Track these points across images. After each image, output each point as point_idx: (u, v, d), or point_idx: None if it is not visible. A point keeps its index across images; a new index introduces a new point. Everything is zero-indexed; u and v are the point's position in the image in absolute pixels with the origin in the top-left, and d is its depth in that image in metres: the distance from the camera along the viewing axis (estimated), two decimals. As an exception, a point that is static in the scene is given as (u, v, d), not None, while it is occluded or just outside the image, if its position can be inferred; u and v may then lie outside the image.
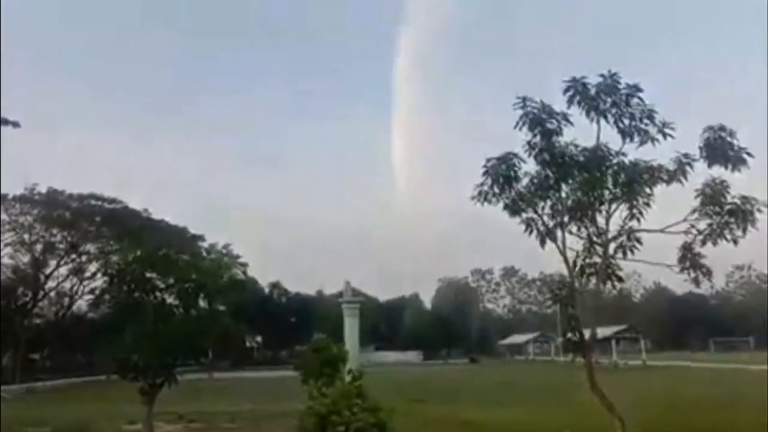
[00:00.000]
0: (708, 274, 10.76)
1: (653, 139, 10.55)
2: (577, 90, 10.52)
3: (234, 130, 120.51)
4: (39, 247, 52.27)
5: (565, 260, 11.09)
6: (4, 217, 48.80)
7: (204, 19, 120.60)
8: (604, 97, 10.52)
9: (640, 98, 10.51)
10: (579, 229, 11.26)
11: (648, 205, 10.76)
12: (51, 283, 54.70)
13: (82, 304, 59.17)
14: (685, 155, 10.52)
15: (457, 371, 56.79)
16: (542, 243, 11.17)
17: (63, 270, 54.37)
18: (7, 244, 50.00)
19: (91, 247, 54.27)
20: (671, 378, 35.30)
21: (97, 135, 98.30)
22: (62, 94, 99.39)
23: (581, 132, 10.87)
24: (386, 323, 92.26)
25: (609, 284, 11.56)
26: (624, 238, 10.97)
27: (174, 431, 18.09)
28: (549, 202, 11.23)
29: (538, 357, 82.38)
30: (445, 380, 41.38)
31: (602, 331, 51.01)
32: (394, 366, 64.82)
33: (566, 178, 11.02)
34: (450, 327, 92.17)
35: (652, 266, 11.33)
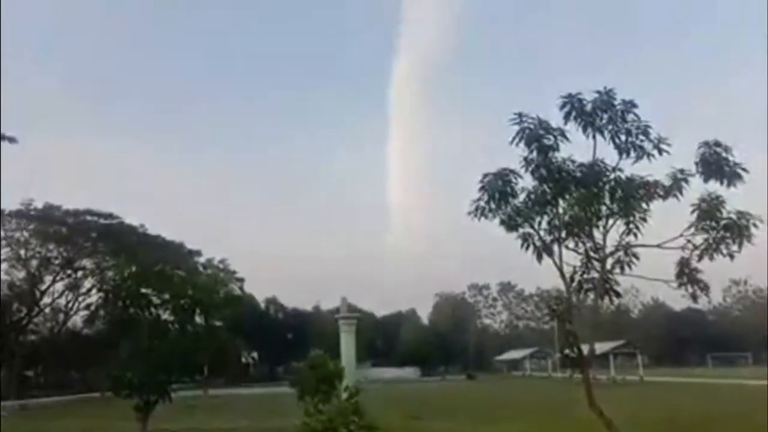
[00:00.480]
0: (705, 289, 10.75)
1: (649, 155, 10.58)
2: (573, 106, 10.56)
3: (230, 146, 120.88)
4: (34, 262, 52.05)
5: (562, 276, 11.07)
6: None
7: (205, 30, 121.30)
8: (600, 113, 10.56)
9: (635, 114, 10.56)
10: (576, 244, 11.25)
11: (645, 220, 10.76)
12: (46, 299, 54.44)
13: (77, 320, 58.97)
14: (681, 171, 10.54)
15: (455, 387, 56.48)
16: (539, 258, 11.14)
17: (58, 286, 54.17)
18: (2, 260, 49.79)
19: (86, 263, 54.10)
20: (670, 394, 35.14)
21: (96, 146, 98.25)
22: (60, 103, 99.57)
23: (577, 148, 10.91)
24: (383, 339, 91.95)
25: (606, 299, 11.55)
26: (621, 253, 10.96)
27: (169, 449, 17.91)
28: (546, 218, 11.22)
29: (536, 373, 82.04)
30: (442, 396, 41.11)
31: (600, 347, 50.86)
32: (391, 382, 64.45)
33: (563, 194, 11.03)
34: (447, 343, 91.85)
35: (649, 282, 11.31)
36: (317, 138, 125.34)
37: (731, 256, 10.23)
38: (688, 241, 10.58)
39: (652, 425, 18.47)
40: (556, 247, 11.16)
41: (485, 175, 11.06)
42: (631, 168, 10.82)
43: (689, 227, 10.52)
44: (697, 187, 10.52)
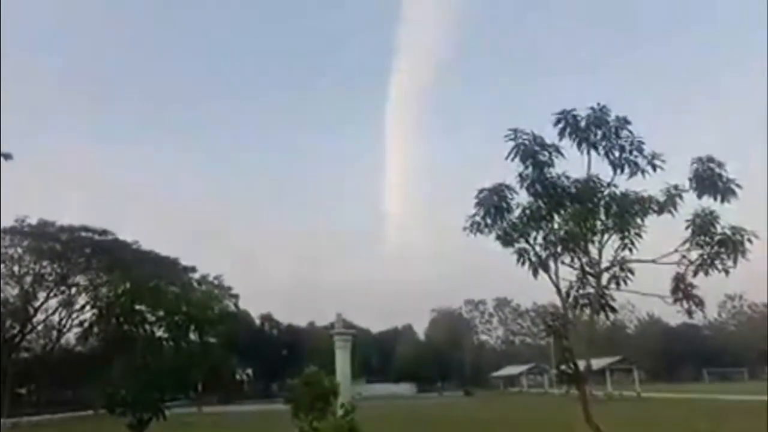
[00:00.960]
0: (700, 304, 10.76)
1: (643, 171, 10.64)
2: (568, 122, 10.64)
3: (226, 159, 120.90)
4: (28, 279, 51.75)
5: (558, 291, 11.08)
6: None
7: (201, 32, 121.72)
8: (594, 130, 10.63)
9: (629, 130, 10.64)
10: (572, 259, 11.26)
11: (639, 235, 10.79)
12: (39, 316, 54.05)
13: (70, 337, 58.52)
14: (675, 186, 10.61)
15: (452, 404, 56.14)
16: (535, 273, 11.14)
17: (52, 302, 53.82)
18: (-1, 277, 49.54)
19: (80, 279, 53.83)
20: (668, 410, 34.99)
21: (92, 156, 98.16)
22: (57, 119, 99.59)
23: (572, 164, 10.97)
24: (379, 355, 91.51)
25: (603, 315, 11.54)
26: (617, 268, 10.98)
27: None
28: (541, 233, 11.25)
29: (533, 389, 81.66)
30: (439, 413, 40.85)
31: (596, 363, 50.69)
32: (387, 399, 64.04)
33: (558, 209, 11.07)
34: (443, 359, 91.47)
35: (645, 297, 11.32)
36: (312, 151, 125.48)
37: (726, 272, 10.27)
38: (683, 256, 10.62)
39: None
40: (551, 263, 11.18)
41: (481, 191, 11.11)
42: (625, 184, 10.90)
43: (684, 243, 10.55)
44: (691, 203, 10.59)
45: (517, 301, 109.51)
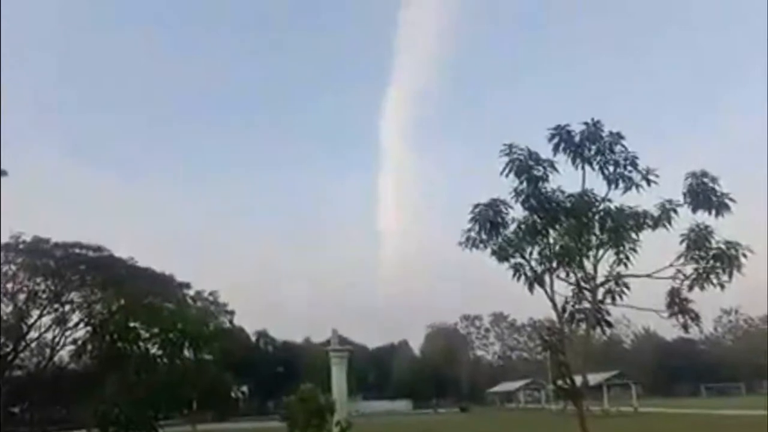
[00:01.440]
0: (696, 319, 10.77)
1: (637, 186, 10.69)
2: (562, 137, 10.70)
3: (221, 175, 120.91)
4: (22, 296, 51.43)
5: (554, 306, 11.07)
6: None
7: (193, 54, 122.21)
8: (589, 145, 10.69)
9: (623, 145, 10.69)
10: (567, 274, 11.27)
11: (634, 250, 10.83)
12: (33, 334, 53.64)
13: (63, 354, 58.00)
14: (669, 201, 10.66)
15: (447, 420, 55.79)
16: (530, 288, 11.14)
17: (45, 320, 53.40)
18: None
19: (74, 296, 53.47)
20: (667, 425, 34.84)
21: (86, 176, 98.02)
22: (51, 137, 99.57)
23: (567, 178, 11.01)
24: (375, 371, 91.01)
25: (599, 330, 11.53)
26: (612, 283, 10.99)
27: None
28: (537, 248, 11.26)
29: (530, 405, 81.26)
30: (435, 429, 40.59)
31: (593, 378, 50.53)
32: (383, 415, 63.64)
33: (554, 224, 11.09)
34: (440, 375, 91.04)
35: (641, 311, 11.33)
36: (308, 167, 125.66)
37: (722, 286, 10.29)
38: (678, 271, 10.64)
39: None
40: (547, 278, 11.17)
41: (476, 206, 11.13)
42: (620, 198, 10.94)
43: (679, 257, 10.58)
44: (686, 217, 10.64)
45: (513, 316, 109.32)
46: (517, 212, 11.22)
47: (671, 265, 10.67)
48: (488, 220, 11.05)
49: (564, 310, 11.24)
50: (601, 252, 11.00)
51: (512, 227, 11.25)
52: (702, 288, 10.43)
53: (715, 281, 10.33)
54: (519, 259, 11.30)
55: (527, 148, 10.90)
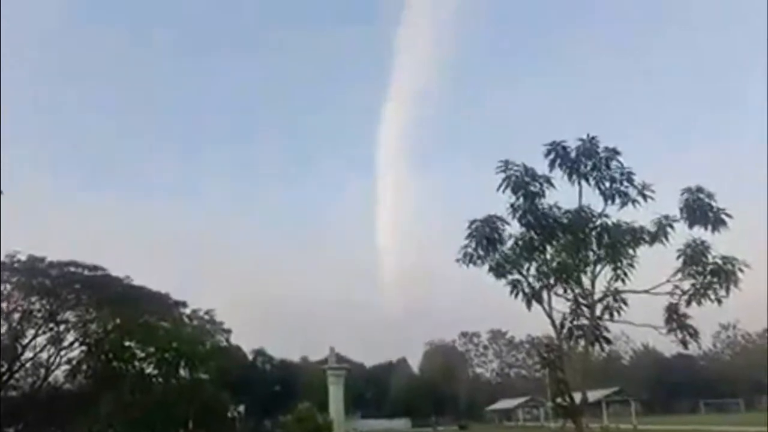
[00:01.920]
0: (694, 334, 10.74)
1: (633, 201, 10.70)
2: (558, 153, 10.72)
3: (215, 193, 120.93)
4: (16, 315, 51.07)
5: (552, 322, 11.03)
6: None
7: (191, 76, 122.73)
8: (585, 161, 10.71)
9: (619, 161, 10.73)
10: (565, 290, 11.25)
11: (632, 266, 10.82)
12: (28, 354, 53.16)
13: (59, 374, 57.46)
14: (666, 217, 10.67)
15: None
16: (528, 305, 11.11)
17: (40, 339, 52.92)
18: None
19: (69, 316, 53.04)
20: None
21: (81, 194, 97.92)
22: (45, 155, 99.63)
23: (564, 194, 11.02)
24: (373, 389, 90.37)
25: (597, 346, 11.48)
26: (610, 299, 10.96)
27: None
28: (534, 264, 11.25)
29: (528, 422, 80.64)
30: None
31: (592, 395, 50.19)
32: (381, 434, 63.07)
33: (551, 240, 11.09)
34: (438, 392, 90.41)
35: (640, 328, 11.29)
36: (305, 183, 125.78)
37: (719, 301, 10.28)
38: (676, 286, 10.63)
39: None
40: (545, 294, 11.15)
41: (473, 222, 11.12)
42: (616, 214, 10.95)
43: (676, 273, 10.58)
44: (682, 233, 10.64)
45: (511, 333, 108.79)
46: (514, 228, 11.25)
47: (668, 281, 10.67)
48: (485, 237, 11.04)
49: (562, 326, 11.20)
50: (598, 268, 10.99)
51: (509, 243, 11.26)
52: (699, 303, 10.42)
53: (712, 296, 10.33)
54: (516, 276, 11.28)
55: (523, 164, 10.94)
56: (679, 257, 10.49)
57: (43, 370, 56.01)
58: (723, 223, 10.27)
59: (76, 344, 51.69)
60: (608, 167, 10.73)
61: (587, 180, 10.80)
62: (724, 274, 10.10)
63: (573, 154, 10.71)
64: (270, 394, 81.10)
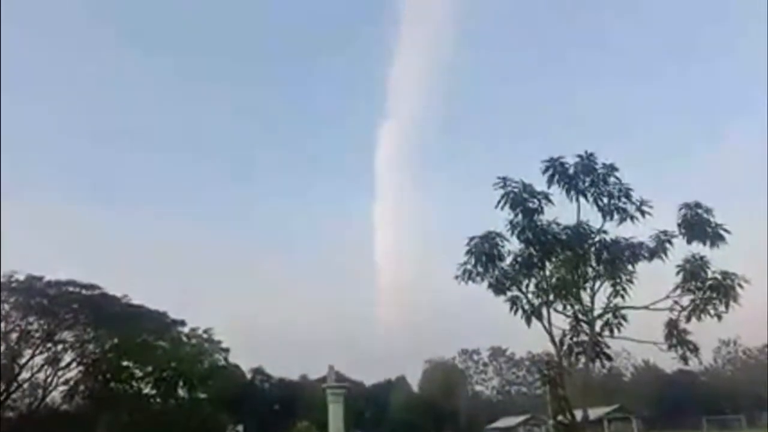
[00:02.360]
0: (695, 350, 10.72)
1: (632, 217, 10.72)
2: (556, 170, 10.75)
3: (212, 211, 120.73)
4: (14, 336, 50.79)
5: (552, 339, 11.00)
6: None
7: (186, 93, 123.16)
8: (583, 177, 10.74)
9: (616, 177, 10.76)
10: (564, 307, 11.23)
11: (631, 282, 10.83)
12: (25, 374, 52.77)
13: (56, 395, 57.00)
14: (664, 232, 10.69)
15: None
16: (528, 322, 11.09)
17: (38, 360, 52.55)
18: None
19: (67, 336, 52.73)
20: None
21: (80, 211, 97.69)
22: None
23: (562, 211, 11.03)
24: (372, 408, 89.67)
25: (598, 363, 11.43)
26: (610, 315, 10.95)
27: None
28: (533, 281, 11.24)
29: (529, 441, 79.89)
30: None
31: (593, 412, 49.73)
32: (381, 454, 62.44)
33: (550, 256, 11.09)
34: (438, 410, 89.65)
35: (640, 344, 11.26)
36: (301, 200, 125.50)
37: (719, 317, 10.26)
38: (676, 302, 10.63)
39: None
40: (544, 310, 11.12)
41: (471, 239, 11.11)
42: (615, 230, 10.97)
43: (675, 288, 10.57)
44: (681, 248, 10.65)
45: (511, 349, 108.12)
46: (513, 245, 11.24)
47: (668, 297, 10.66)
48: (484, 253, 11.03)
49: (562, 343, 11.17)
50: (597, 284, 10.99)
51: (508, 260, 11.25)
52: (699, 319, 10.41)
53: (712, 312, 10.31)
54: (516, 292, 11.28)
55: (521, 181, 10.97)
56: (678, 273, 10.49)
57: (40, 391, 55.55)
58: (721, 238, 10.29)
59: (74, 364, 51.33)
60: (606, 183, 10.76)
61: (585, 196, 10.83)
62: (724, 289, 10.11)
63: (571, 171, 10.74)
64: (269, 413, 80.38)
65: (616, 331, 10.91)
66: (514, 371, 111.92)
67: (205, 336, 55.32)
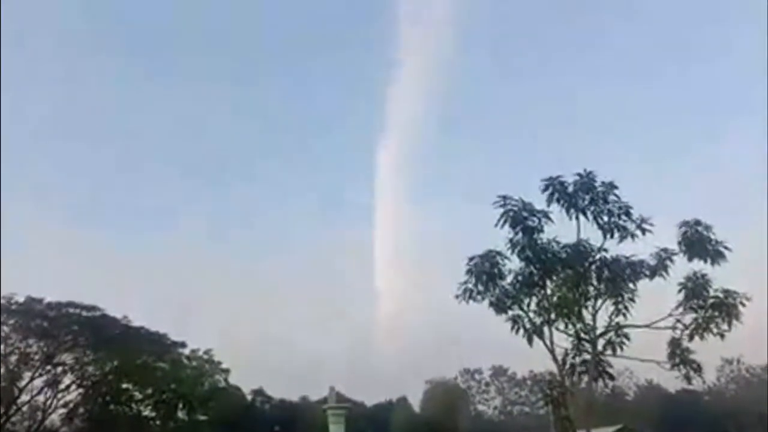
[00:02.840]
0: (698, 370, 10.65)
1: (632, 235, 10.71)
2: (555, 188, 10.76)
3: (208, 231, 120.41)
4: (13, 358, 50.45)
5: (554, 358, 10.93)
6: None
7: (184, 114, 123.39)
8: (582, 195, 10.75)
9: (616, 195, 10.77)
10: (566, 326, 11.17)
11: (633, 300, 10.79)
12: (24, 397, 52.33)
13: (55, 418, 56.48)
14: (665, 250, 10.67)
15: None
16: (530, 341, 11.03)
17: (37, 382, 52.14)
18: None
19: (67, 358, 52.37)
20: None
21: (79, 231, 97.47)
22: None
23: (562, 229, 11.02)
24: (374, 429, 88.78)
25: (600, 382, 11.35)
26: (612, 334, 10.88)
27: None
28: (534, 299, 11.20)
29: (533, 462, 78.94)
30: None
31: (597, 432, 49.27)
32: (382, 476, 61.64)
33: (550, 275, 11.06)
34: (440, 431, 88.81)
35: (644, 363, 11.19)
36: (301, 223, 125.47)
37: (721, 336, 10.21)
38: (678, 320, 10.58)
39: None
40: (546, 330, 11.06)
41: (471, 258, 11.09)
42: (615, 248, 10.95)
43: (677, 306, 10.53)
44: (682, 266, 10.63)
45: (513, 369, 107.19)
46: (513, 263, 11.22)
47: (670, 315, 10.62)
48: (484, 272, 11.01)
49: (564, 362, 11.10)
50: (599, 302, 10.94)
51: (509, 278, 11.22)
52: (702, 338, 10.35)
53: (714, 330, 10.26)
54: (517, 311, 11.23)
55: (521, 199, 10.98)
56: (680, 291, 10.46)
57: (40, 414, 55.00)
58: (722, 256, 10.28)
59: (73, 387, 50.88)
60: (606, 201, 10.77)
61: (585, 214, 10.83)
62: (726, 308, 10.07)
63: (570, 189, 10.75)
64: (270, 436, 79.68)
65: (618, 350, 10.83)
66: (517, 391, 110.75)
67: (205, 357, 54.96)
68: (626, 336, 10.86)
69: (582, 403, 12.00)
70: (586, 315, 10.97)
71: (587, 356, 10.97)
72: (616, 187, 10.80)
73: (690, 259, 10.46)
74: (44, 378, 52.48)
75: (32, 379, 51.68)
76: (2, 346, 49.43)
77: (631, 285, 10.79)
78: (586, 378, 10.98)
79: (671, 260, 10.66)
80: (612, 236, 10.81)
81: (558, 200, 10.82)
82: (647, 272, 10.76)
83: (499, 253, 11.13)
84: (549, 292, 11.19)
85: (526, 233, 10.92)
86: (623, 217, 10.76)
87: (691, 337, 10.41)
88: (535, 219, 10.92)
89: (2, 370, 49.80)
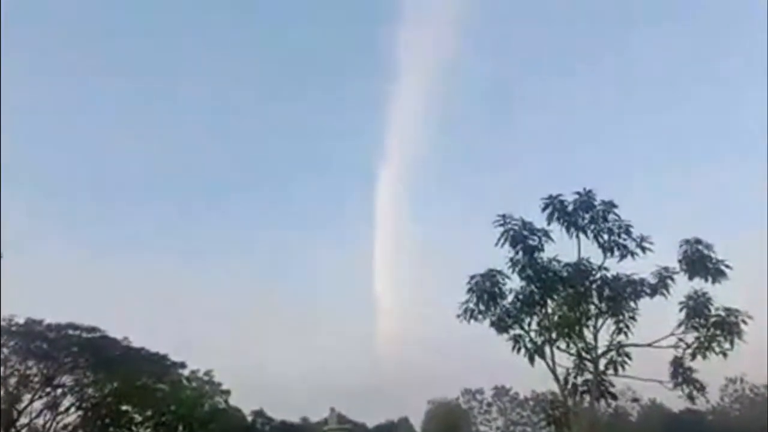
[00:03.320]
0: (701, 389, 10.59)
1: (632, 253, 10.72)
2: (555, 207, 10.80)
3: (209, 250, 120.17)
4: (13, 380, 50.15)
5: (556, 378, 10.87)
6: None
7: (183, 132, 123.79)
8: (582, 214, 10.79)
9: (616, 214, 10.80)
10: (567, 345, 11.12)
11: (634, 318, 10.76)
12: (24, 419, 51.94)
13: (54, 441, 56.02)
14: (665, 268, 10.67)
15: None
16: (531, 360, 10.98)
17: (37, 404, 51.78)
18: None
19: (67, 380, 52.05)
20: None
21: (79, 251, 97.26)
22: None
23: (562, 247, 11.03)
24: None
25: (603, 402, 11.27)
26: (613, 353, 10.83)
27: None
28: (535, 318, 11.17)
29: (536, 483, 78.05)
30: None
31: (600, 453, 48.78)
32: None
33: (551, 294, 11.06)
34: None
35: (646, 382, 11.12)
36: (301, 240, 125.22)
37: (724, 354, 10.16)
38: (680, 339, 10.54)
39: None
40: (547, 349, 11.02)
41: (472, 277, 11.09)
42: (616, 266, 10.96)
43: (679, 325, 10.50)
44: (683, 284, 10.62)
45: (515, 389, 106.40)
46: (514, 282, 11.22)
47: (672, 334, 10.58)
48: (485, 291, 11.00)
49: (566, 382, 11.03)
50: (600, 321, 10.91)
51: (510, 298, 11.20)
52: (705, 357, 10.30)
53: (717, 349, 10.22)
54: (518, 331, 11.20)
55: (521, 218, 11.02)
56: (681, 309, 10.44)
57: (38, 437, 54.63)
58: (723, 274, 10.28)
59: (73, 409, 50.57)
60: (606, 220, 10.80)
61: (585, 233, 10.86)
62: (728, 326, 10.04)
63: (570, 208, 10.79)
64: (270, 458, 78.89)
65: (620, 369, 10.77)
66: (519, 411, 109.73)
67: (205, 378, 54.63)
68: (628, 355, 10.81)
69: (585, 424, 11.90)
70: (588, 334, 10.94)
71: (589, 376, 10.91)
72: (615, 206, 10.86)
73: (691, 278, 10.46)
74: (44, 400, 52.07)
75: (32, 401, 51.27)
76: (2, 368, 49.17)
77: (632, 303, 10.79)
78: (588, 398, 10.90)
79: (672, 279, 10.66)
80: (612, 255, 10.83)
81: (558, 219, 10.86)
82: (648, 291, 10.75)
83: (499, 272, 11.14)
84: (550, 311, 11.17)
85: (527, 252, 10.95)
86: (623, 235, 10.79)
87: (693, 356, 10.35)
88: (535, 238, 10.96)
89: (2, 393, 49.57)
